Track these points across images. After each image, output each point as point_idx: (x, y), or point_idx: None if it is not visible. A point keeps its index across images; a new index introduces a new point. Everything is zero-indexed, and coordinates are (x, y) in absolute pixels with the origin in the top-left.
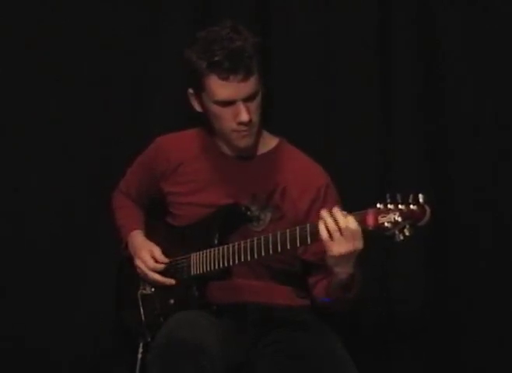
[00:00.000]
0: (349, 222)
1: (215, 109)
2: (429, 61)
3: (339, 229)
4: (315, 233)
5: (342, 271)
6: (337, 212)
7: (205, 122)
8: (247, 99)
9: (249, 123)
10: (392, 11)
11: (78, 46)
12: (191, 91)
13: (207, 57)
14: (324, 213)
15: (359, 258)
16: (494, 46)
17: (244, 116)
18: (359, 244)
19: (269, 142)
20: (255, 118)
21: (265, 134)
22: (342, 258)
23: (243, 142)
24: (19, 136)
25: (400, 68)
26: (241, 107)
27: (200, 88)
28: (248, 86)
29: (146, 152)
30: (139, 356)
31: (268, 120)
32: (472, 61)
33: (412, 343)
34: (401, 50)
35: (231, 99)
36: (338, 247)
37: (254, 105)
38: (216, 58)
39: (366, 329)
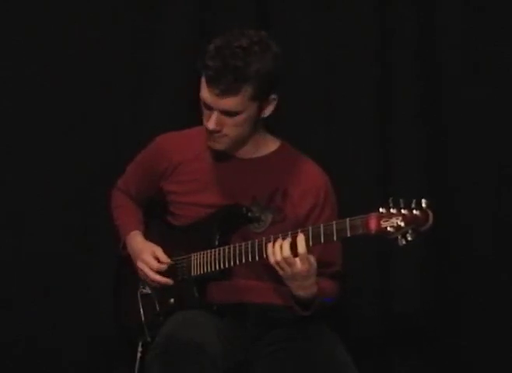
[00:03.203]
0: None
1: (201, 104)
2: (429, 64)
3: (282, 256)
4: (328, 234)
5: (299, 293)
6: (283, 243)
7: None
8: (224, 113)
9: (213, 132)
10: (392, 11)
11: (78, 45)
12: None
13: (206, 57)
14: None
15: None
16: (494, 46)
17: (209, 125)
18: (296, 268)
19: (271, 144)
20: (229, 131)
21: (268, 136)
22: (291, 280)
23: (212, 145)
24: (19, 135)
25: (400, 71)
26: (212, 116)
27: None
28: (225, 103)
29: (146, 151)
30: (138, 355)
31: (268, 122)
32: (472, 63)
33: (411, 343)
34: (401, 51)
35: (209, 104)
36: (284, 272)
37: (232, 121)
38: (208, 63)
39: (365, 329)
